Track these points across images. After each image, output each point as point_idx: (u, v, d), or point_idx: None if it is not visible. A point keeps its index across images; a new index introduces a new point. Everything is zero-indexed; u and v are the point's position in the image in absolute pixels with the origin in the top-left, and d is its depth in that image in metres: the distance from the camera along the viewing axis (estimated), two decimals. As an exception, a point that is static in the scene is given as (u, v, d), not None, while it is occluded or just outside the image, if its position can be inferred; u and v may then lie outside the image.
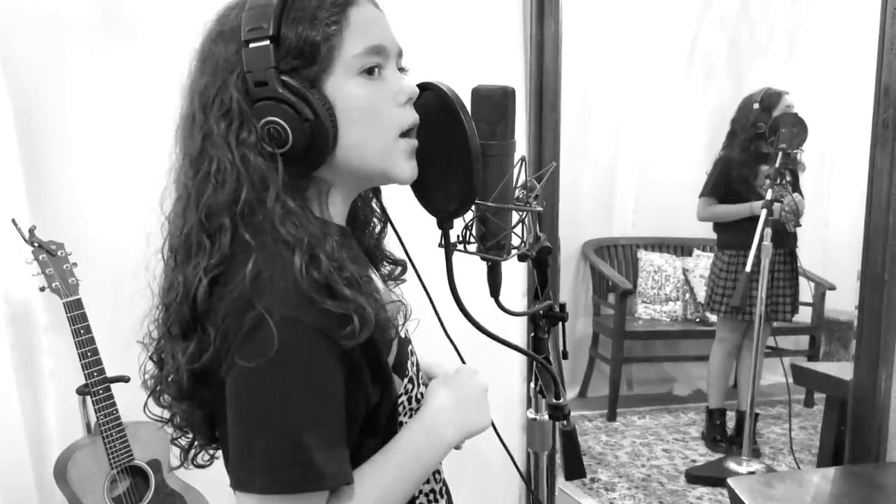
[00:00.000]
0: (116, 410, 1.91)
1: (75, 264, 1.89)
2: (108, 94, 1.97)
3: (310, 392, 0.79)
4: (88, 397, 1.90)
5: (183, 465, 0.99)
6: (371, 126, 0.87)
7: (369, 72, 0.87)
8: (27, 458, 1.98)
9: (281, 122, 0.83)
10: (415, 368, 0.97)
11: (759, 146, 3.39)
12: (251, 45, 0.83)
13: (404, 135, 0.90)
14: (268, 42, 0.82)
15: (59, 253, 1.87)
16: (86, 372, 1.87)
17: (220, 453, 0.98)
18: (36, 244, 1.85)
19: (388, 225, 1.06)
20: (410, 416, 0.95)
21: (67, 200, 1.99)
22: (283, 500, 0.79)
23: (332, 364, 0.80)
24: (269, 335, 0.76)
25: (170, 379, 0.87)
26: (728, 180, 3.44)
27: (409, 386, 0.94)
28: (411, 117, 0.90)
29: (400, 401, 0.93)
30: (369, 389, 0.86)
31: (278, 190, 0.83)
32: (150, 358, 0.94)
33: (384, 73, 0.89)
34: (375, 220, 1.05)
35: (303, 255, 0.80)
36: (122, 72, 1.96)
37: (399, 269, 1.08)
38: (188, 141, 0.87)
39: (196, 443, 0.98)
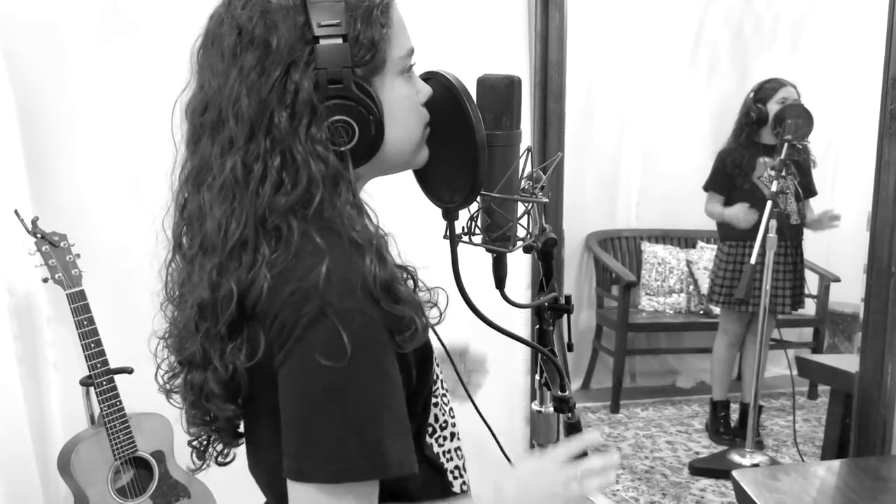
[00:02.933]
0: (120, 401, 1.91)
1: (78, 255, 1.89)
2: (110, 87, 1.96)
3: (375, 380, 0.78)
4: (92, 388, 1.90)
5: (203, 466, 0.98)
6: (410, 122, 0.90)
7: (408, 72, 0.90)
8: (31, 449, 1.98)
9: (350, 120, 0.83)
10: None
11: (750, 134, 3.38)
12: (323, 42, 0.81)
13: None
14: (341, 40, 0.81)
15: (61, 244, 1.87)
16: (89, 363, 1.87)
17: (235, 449, 0.98)
18: (39, 235, 1.85)
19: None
20: (439, 399, 0.96)
21: (70, 192, 1.99)
22: (349, 488, 0.78)
23: (391, 353, 0.80)
24: (330, 325, 0.76)
25: (218, 380, 0.84)
26: (724, 169, 3.43)
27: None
28: (428, 113, 0.93)
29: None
30: (412, 374, 0.87)
31: (352, 189, 0.83)
32: (180, 363, 0.91)
33: (411, 71, 0.92)
34: None
35: (373, 255, 0.80)
36: (123, 65, 1.96)
37: None
38: (230, 130, 0.82)
39: (214, 440, 0.97)
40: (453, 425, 1.00)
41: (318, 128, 0.82)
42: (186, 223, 0.88)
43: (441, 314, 0.91)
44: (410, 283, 0.88)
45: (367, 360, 0.77)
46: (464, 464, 1.04)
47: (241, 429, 0.96)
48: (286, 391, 0.79)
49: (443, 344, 1.07)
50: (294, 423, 0.78)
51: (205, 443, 0.97)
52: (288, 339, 0.78)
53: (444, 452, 0.97)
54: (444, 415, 0.98)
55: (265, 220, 0.81)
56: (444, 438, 0.98)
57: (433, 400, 0.96)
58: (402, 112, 0.88)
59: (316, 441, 0.77)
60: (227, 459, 0.99)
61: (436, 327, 1.02)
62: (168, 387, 0.94)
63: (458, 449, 1.02)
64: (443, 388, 1.00)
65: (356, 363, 0.76)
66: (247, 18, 0.82)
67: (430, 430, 0.96)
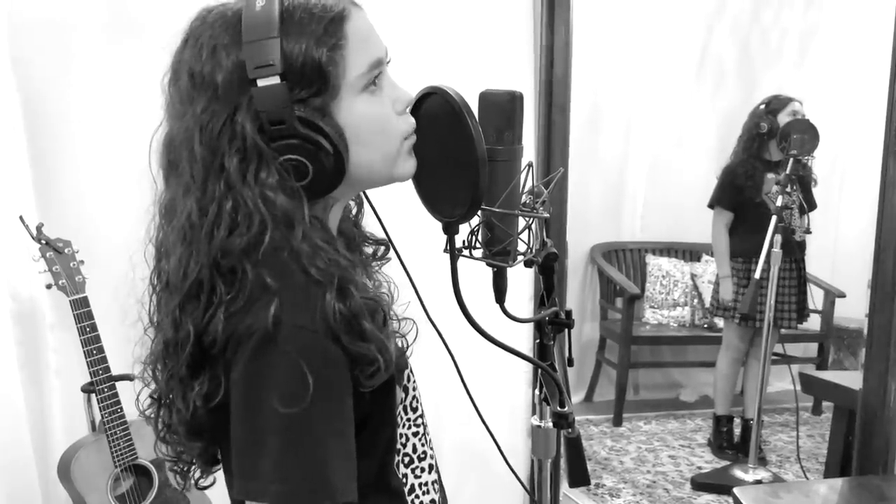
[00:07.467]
0: (121, 409, 1.91)
1: (82, 262, 1.90)
2: (115, 93, 1.97)
3: (325, 402, 0.77)
4: (93, 395, 1.90)
5: (186, 487, 0.98)
6: (379, 142, 0.87)
7: (371, 85, 0.86)
8: (31, 455, 1.98)
9: (301, 158, 0.82)
10: (411, 376, 0.96)
11: (760, 146, 3.37)
12: (261, 83, 0.79)
13: (406, 138, 0.90)
14: (278, 79, 0.79)
15: (65, 250, 1.88)
16: (91, 370, 1.87)
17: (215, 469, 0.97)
18: (43, 241, 1.86)
19: (366, 204, 1.04)
20: (406, 427, 0.93)
21: (75, 198, 2.00)
22: None
23: (346, 384, 0.79)
24: (279, 351, 0.75)
25: (181, 420, 0.84)
26: (735, 181, 3.42)
27: (402, 395, 0.94)
28: (411, 123, 0.90)
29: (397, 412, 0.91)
30: (366, 398, 0.83)
31: (305, 228, 0.81)
32: (151, 396, 0.91)
33: (381, 81, 0.88)
34: (351, 201, 1.02)
35: (334, 291, 0.79)
36: (128, 71, 1.96)
37: (382, 248, 1.05)
38: (188, 173, 0.82)
39: (194, 467, 0.96)
40: (432, 457, 0.98)
41: (267, 171, 0.81)
42: (159, 256, 0.88)
43: (409, 347, 0.89)
44: (381, 316, 0.85)
45: (317, 387, 0.75)
46: (441, 498, 1.01)
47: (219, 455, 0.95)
48: (236, 413, 0.79)
49: (454, 360, 1.07)
50: (242, 443, 0.78)
51: (185, 467, 0.97)
52: (237, 364, 0.77)
53: (420, 485, 0.95)
54: (423, 445, 0.96)
55: (219, 263, 0.80)
56: (422, 470, 0.96)
57: (413, 430, 0.94)
58: (367, 133, 0.86)
59: (261, 460, 0.76)
60: (206, 484, 0.98)
61: (447, 341, 1.02)
62: (148, 413, 0.93)
63: (435, 482, 1.00)
64: (424, 417, 0.98)
65: (306, 391, 0.75)
66: (196, 60, 0.82)
67: (406, 459, 0.94)
